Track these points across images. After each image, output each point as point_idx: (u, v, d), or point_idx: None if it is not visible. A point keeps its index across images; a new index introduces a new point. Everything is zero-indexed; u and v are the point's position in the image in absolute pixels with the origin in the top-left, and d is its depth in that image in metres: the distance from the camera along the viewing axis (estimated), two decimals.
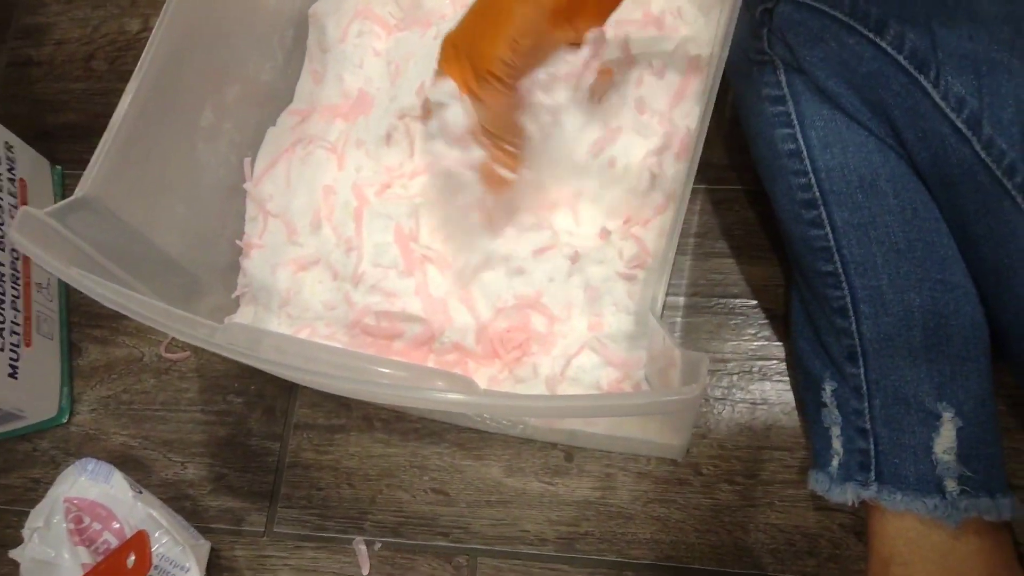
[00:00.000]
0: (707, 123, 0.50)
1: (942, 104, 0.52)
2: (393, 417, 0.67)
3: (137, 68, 0.54)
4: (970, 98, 0.50)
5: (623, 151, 0.58)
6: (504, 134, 0.55)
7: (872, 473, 0.54)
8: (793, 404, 0.63)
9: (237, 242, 0.67)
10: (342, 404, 0.67)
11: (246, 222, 0.68)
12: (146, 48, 0.55)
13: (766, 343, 0.65)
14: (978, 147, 0.51)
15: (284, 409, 0.68)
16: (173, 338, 0.71)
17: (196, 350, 0.71)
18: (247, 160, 0.68)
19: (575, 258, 0.58)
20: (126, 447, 0.69)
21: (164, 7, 0.55)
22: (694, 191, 0.68)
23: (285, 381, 0.68)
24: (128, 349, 0.72)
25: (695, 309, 0.66)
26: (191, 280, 0.64)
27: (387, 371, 0.45)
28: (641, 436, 0.57)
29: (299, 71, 0.72)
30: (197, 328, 0.47)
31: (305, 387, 0.68)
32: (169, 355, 0.71)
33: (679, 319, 0.65)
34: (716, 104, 0.50)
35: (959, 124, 0.51)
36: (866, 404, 0.54)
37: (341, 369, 0.45)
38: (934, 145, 0.53)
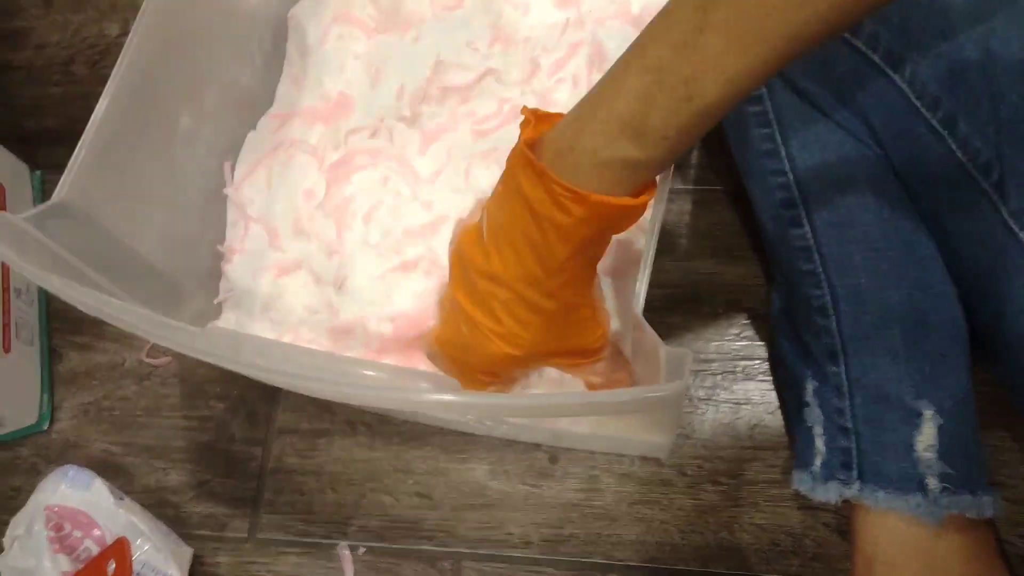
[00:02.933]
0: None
1: (917, 103, 0.52)
2: (377, 421, 0.66)
3: (113, 73, 0.54)
4: (945, 97, 0.50)
5: None
6: None
7: (854, 472, 0.54)
8: (776, 404, 0.63)
9: (219, 247, 0.67)
10: (325, 408, 0.67)
11: (227, 227, 0.68)
12: (122, 53, 0.54)
13: (749, 343, 0.65)
14: (954, 146, 0.51)
15: (267, 414, 0.68)
16: (154, 343, 0.70)
17: (178, 355, 0.71)
18: (227, 165, 0.67)
19: None
20: (107, 454, 0.69)
21: (140, 11, 0.55)
22: (676, 192, 0.69)
23: (267, 386, 0.68)
24: (109, 355, 0.72)
25: (678, 310, 0.66)
26: (172, 286, 0.63)
27: (371, 373, 0.45)
28: (627, 435, 0.57)
29: (278, 75, 0.72)
30: (178, 333, 0.47)
31: (288, 391, 0.68)
32: (151, 360, 0.71)
33: (662, 320, 0.65)
34: None
35: (935, 123, 0.52)
36: (847, 402, 0.55)
37: (324, 372, 0.45)
38: (910, 144, 0.53)
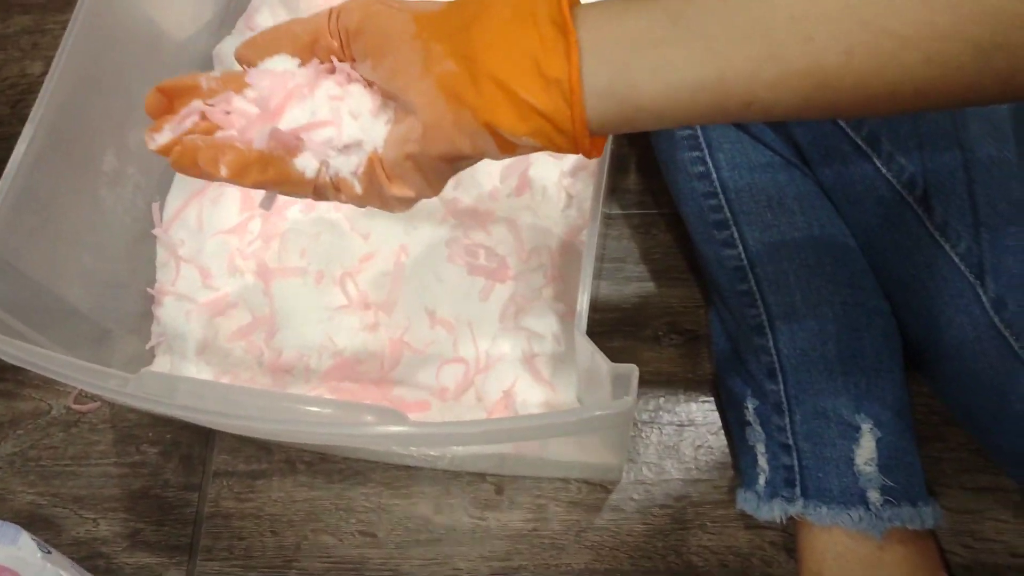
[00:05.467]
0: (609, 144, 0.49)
1: (841, 123, 0.53)
2: (317, 458, 0.65)
3: (33, 112, 0.53)
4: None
5: (538, 173, 0.58)
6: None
7: (798, 488, 0.54)
8: (720, 424, 0.63)
9: (149, 290, 0.65)
10: (262, 448, 0.65)
11: (157, 269, 0.66)
12: (41, 91, 0.53)
13: (690, 365, 0.65)
14: (879, 162, 0.53)
15: (202, 457, 0.66)
16: (81, 389, 0.68)
17: (107, 400, 0.68)
18: (155, 205, 0.66)
19: (500, 277, 0.58)
20: (34, 506, 0.66)
21: (60, 48, 0.54)
22: (614, 217, 0.69)
23: (202, 428, 0.66)
24: (34, 402, 0.69)
25: (618, 334, 0.66)
26: (101, 331, 0.61)
27: (314, 409, 0.43)
28: (577, 458, 0.56)
29: None
30: (108, 379, 0.45)
31: (223, 432, 0.66)
32: (78, 407, 0.68)
33: (603, 344, 0.65)
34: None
35: (859, 141, 0.53)
36: (787, 420, 0.55)
37: (265, 411, 0.44)
38: (837, 162, 0.55)
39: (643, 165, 0.70)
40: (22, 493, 0.66)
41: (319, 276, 0.61)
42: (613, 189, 0.70)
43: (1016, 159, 0.49)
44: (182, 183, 0.67)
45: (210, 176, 0.40)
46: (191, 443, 0.66)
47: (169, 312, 0.64)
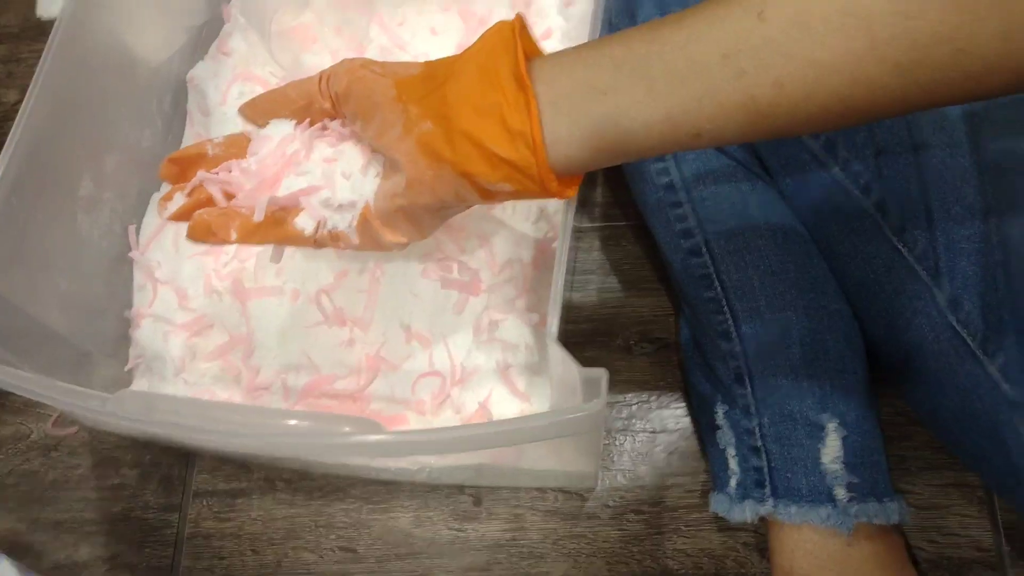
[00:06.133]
0: None
1: None
2: (296, 476, 0.65)
3: (9, 138, 0.53)
4: None
5: None
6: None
7: (768, 489, 0.56)
8: (692, 430, 0.65)
9: (126, 313, 0.66)
10: (241, 467, 0.66)
11: (134, 292, 0.67)
12: (17, 119, 0.54)
13: (661, 372, 0.66)
14: (836, 170, 0.55)
15: (181, 477, 0.66)
16: (61, 413, 0.68)
17: (86, 424, 0.69)
18: (131, 228, 0.67)
19: (474, 290, 0.59)
20: (14, 532, 0.66)
21: (35, 76, 0.55)
22: (584, 230, 0.71)
23: (181, 449, 0.66)
24: (14, 427, 0.69)
25: (591, 344, 0.67)
26: (80, 355, 0.62)
27: (293, 422, 0.44)
28: (551, 466, 0.57)
29: (180, 136, 0.72)
30: (88, 400, 0.46)
31: (203, 453, 0.66)
32: (57, 431, 0.69)
33: (576, 355, 0.66)
34: None
35: (817, 150, 0.55)
36: (756, 422, 0.56)
37: (242, 425, 0.44)
38: (796, 171, 0.56)
39: (610, 178, 0.72)
40: (1, 519, 0.67)
41: (295, 294, 0.62)
42: (582, 202, 0.71)
43: (968, 163, 0.51)
44: (158, 206, 0.68)
45: (223, 241, 0.48)
46: (170, 464, 0.67)
47: (147, 334, 0.65)
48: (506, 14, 0.66)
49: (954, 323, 0.51)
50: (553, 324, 0.44)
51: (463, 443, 0.43)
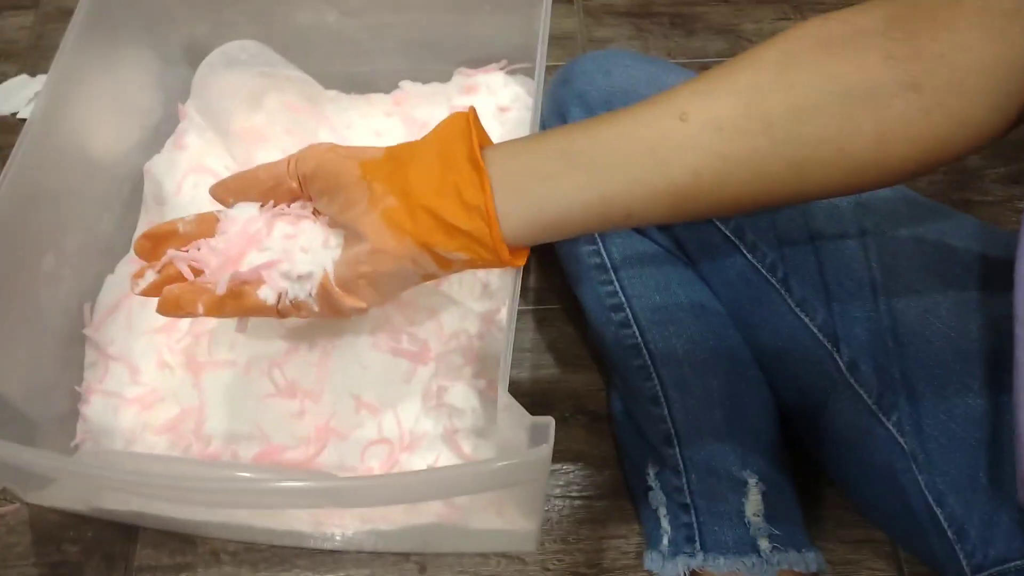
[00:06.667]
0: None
1: (714, 220, 0.62)
2: (242, 548, 0.66)
3: None
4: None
5: None
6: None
7: (697, 543, 0.60)
8: (625, 494, 0.69)
9: (76, 388, 0.67)
10: (186, 541, 0.67)
11: (85, 368, 0.68)
12: None
13: (596, 441, 0.71)
14: (745, 251, 0.61)
15: (125, 553, 0.66)
16: (3, 490, 0.68)
17: (27, 502, 0.68)
18: (87, 306, 0.69)
19: (423, 359, 0.63)
20: None
21: (5, 168, 0.58)
22: (521, 312, 0.76)
23: (124, 525, 0.67)
24: None
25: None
26: (29, 427, 0.62)
27: (244, 475, 0.47)
28: (495, 526, 0.60)
29: (135, 222, 0.75)
30: (54, 460, 0.47)
31: (146, 528, 0.67)
32: None
33: None
34: None
35: (727, 232, 0.62)
36: (684, 480, 0.61)
37: (200, 475, 0.47)
38: (711, 253, 0.63)
39: (543, 263, 0.78)
40: None
41: (247, 367, 0.65)
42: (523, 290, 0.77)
43: (856, 246, 0.59)
44: (112, 287, 0.71)
45: (191, 314, 0.52)
46: (113, 540, 0.67)
47: (96, 410, 0.66)
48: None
49: (853, 383, 0.57)
50: (504, 380, 0.48)
51: (413, 490, 0.46)
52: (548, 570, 0.66)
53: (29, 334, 0.63)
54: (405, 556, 0.66)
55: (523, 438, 0.46)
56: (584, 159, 0.44)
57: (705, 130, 0.42)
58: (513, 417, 0.47)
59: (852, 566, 0.66)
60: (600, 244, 0.66)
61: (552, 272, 0.77)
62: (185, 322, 0.68)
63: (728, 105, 0.42)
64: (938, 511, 0.55)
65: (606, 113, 0.45)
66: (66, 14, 0.64)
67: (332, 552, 0.66)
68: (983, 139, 0.42)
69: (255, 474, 0.47)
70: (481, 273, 0.65)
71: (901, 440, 0.56)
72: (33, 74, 0.93)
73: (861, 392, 0.57)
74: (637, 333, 0.64)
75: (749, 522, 0.59)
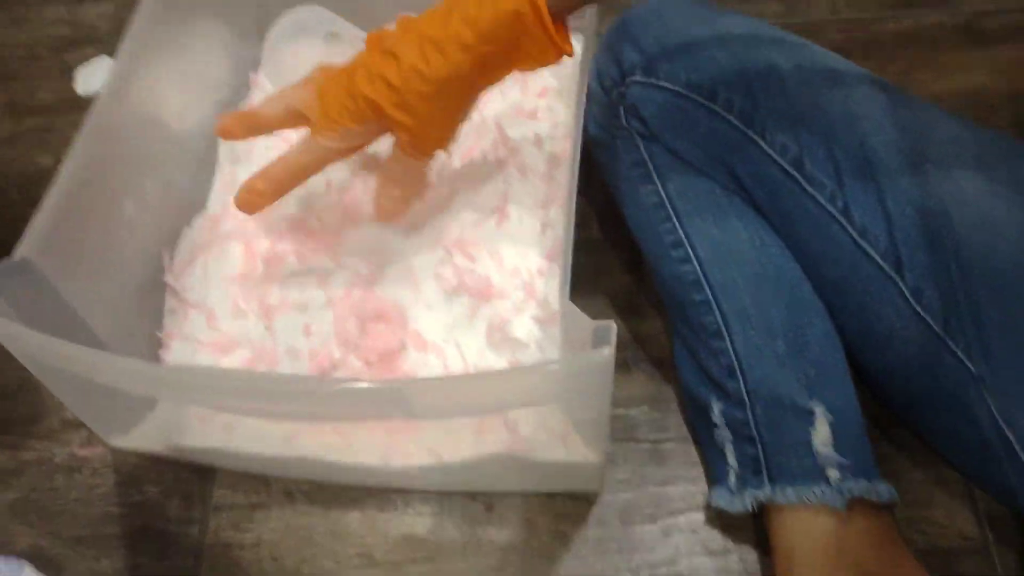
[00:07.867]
0: (575, 180, 0.58)
1: (769, 151, 0.62)
2: (314, 488, 0.68)
3: (63, 166, 0.59)
4: (791, 144, 0.61)
5: (515, 208, 0.67)
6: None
7: (764, 475, 0.60)
8: (689, 438, 0.69)
9: (157, 333, 0.70)
10: (261, 481, 0.68)
11: (165, 315, 0.71)
12: (72, 145, 0.60)
13: (659, 386, 0.71)
14: (803, 182, 0.62)
15: (202, 493, 0.69)
16: (89, 434, 0.71)
17: (111, 446, 0.71)
18: (166, 253, 0.72)
19: (485, 296, 0.64)
20: (35, 547, 0.67)
21: (86, 118, 0.61)
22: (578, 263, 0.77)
23: (201, 467, 0.69)
24: (38, 452, 0.72)
25: None
26: None
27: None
28: (559, 456, 0.61)
29: (210, 180, 0.78)
30: (156, 370, 0.49)
31: (224, 468, 0.69)
32: (83, 451, 0.71)
33: None
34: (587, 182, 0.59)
35: (785, 165, 0.62)
36: (749, 413, 0.61)
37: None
38: (768, 185, 0.63)
39: (601, 215, 0.79)
40: (24, 536, 0.68)
41: (319, 309, 0.67)
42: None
43: (915, 173, 0.59)
44: (188, 240, 0.74)
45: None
46: (191, 480, 0.69)
47: (176, 355, 0.69)
48: None
49: (919, 310, 0.57)
50: (565, 285, 0.49)
51: (486, 389, 0.47)
52: (613, 509, 0.66)
53: (111, 280, 0.66)
54: (472, 496, 0.67)
55: (586, 342, 0.47)
56: None
57: None
58: (575, 321, 0.48)
59: (925, 504, 0.65)
60: (658, 183, 0.66)
61: (608, 224, 0.78)
62: (259, 269, 0.70)
63: None
64: (1010, 435, 0.54)
65: None
66: None
67: (401, 491, 0.67)
68: None
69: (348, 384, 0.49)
70: (540, 212, 0.67)
71: (969, 364, 0.55)
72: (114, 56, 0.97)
73: (927, 318, 0.56)
74: (697, 267, 0.64)
75: (817, 452, 0.59)
